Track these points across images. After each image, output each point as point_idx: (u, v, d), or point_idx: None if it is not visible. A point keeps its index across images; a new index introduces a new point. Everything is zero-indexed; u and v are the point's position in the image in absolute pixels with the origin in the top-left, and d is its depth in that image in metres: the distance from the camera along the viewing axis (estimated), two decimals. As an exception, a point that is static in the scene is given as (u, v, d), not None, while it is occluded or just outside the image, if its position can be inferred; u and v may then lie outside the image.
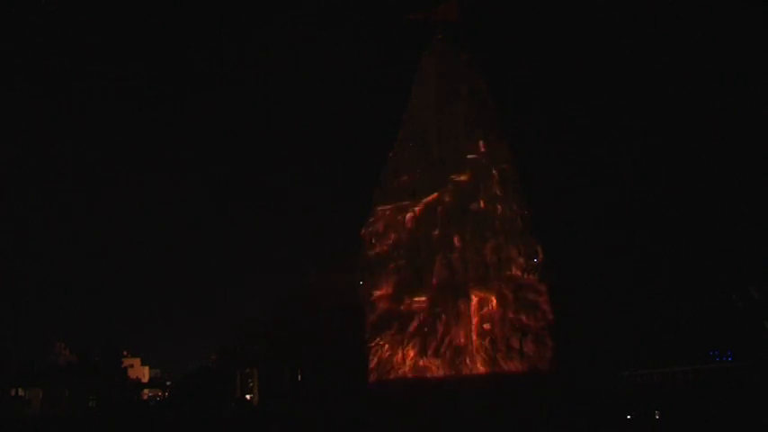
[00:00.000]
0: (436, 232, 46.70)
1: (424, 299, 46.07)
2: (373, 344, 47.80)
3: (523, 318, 43.71)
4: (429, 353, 45.26)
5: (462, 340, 44.56)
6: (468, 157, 47.81)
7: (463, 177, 47.48)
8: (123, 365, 70.55)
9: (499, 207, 45.56)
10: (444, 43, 53.01)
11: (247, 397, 67.56)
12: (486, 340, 43.81)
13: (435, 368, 44.79)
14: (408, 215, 48.09)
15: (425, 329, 45.69)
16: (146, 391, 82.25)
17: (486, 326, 44.01)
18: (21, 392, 59.59)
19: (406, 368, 45.42)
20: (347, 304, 55.06)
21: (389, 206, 49.37)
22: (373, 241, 48.96)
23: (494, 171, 46.32)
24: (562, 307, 44.39)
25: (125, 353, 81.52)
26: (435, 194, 48.06)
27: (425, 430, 40.68)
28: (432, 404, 41.80)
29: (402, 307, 46.62)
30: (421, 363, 45.13)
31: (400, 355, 45.94)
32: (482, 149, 47.08)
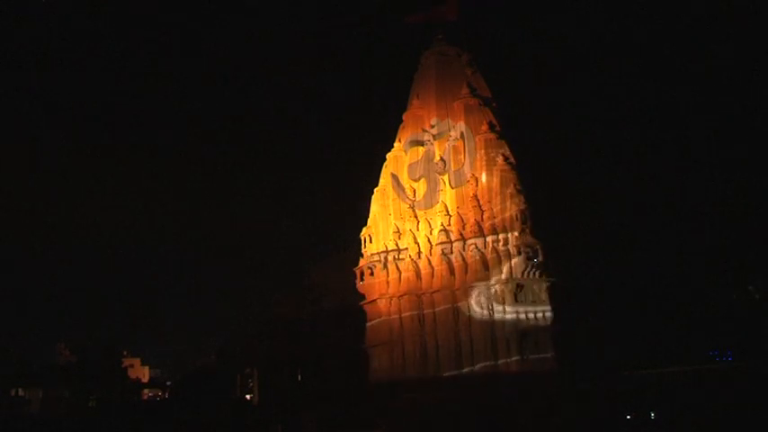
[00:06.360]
0: (436, 231, 46.72)
1: (424, 299, 46.09)
2: (373, 344, 47.80)
3: (523, 318, 43.68)
4: (429, 353, 45.29)
5: (462, 340, 44.56)
6: (468, 156, 47.83)
7: (463, 176, 47.50)
8: (123, 365, 70.63)
9: (499, 206, 45.57)
10: (444, 43, 52.99)
11: (247, 397, 67.59)
12: (487, 340, 43.79)
13: (435, 368, 44.79)
14: (408, 215, 48.10)
15: (425, 329, 45.74)
16: (146, 391, 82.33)
17: (487, 326, 43.98)
18: (21, 392, 59.58)
19: (406, 368, 45.41)
20: (347, 304, 55.13)
21: (389, 206, 49.36)
22: (372, 241, 48.98)
23: (494, 170, 46.34)
24: (562, 307, 44.33)
25: (125, 353, 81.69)
26: (435, 194, 48.13)
27: (426, 430, 40.69)
28: (432, 404, 41.79)
29: (402, 307, 46.63)
30: (421, 363, 45.13)
31: (400, 355, 45.95)
32: (482, 149, 47.09)
